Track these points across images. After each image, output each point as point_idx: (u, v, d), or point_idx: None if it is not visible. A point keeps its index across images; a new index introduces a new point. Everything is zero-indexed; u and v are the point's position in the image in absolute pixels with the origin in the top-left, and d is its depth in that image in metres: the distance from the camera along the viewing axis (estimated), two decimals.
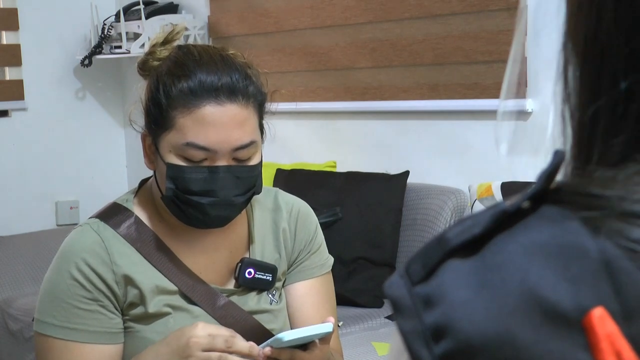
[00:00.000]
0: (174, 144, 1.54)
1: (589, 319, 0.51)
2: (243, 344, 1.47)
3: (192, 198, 1.55)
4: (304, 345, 1.51)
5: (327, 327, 1.49)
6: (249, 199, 1.61)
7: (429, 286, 0.56)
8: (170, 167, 1.55)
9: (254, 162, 1.58)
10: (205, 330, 1.49)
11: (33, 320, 1.62)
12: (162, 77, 1.57)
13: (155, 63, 1.60)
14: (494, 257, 0.55)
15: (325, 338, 1.53)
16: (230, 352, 1.47)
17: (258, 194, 1.62)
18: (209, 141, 1.53)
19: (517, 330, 0.52)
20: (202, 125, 1.53)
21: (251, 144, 1.56)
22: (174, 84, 1.54)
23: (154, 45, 1.62)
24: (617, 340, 0.51)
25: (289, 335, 1.46)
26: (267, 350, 1.48)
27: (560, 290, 0.52)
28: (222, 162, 1.54)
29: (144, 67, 1.62)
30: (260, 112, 1.61)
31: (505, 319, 0.53)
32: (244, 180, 1.57)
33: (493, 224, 0.56)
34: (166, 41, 1.62)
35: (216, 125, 1.53)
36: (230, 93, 1.54)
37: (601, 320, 0.51)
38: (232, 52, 1.62)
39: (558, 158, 0.57)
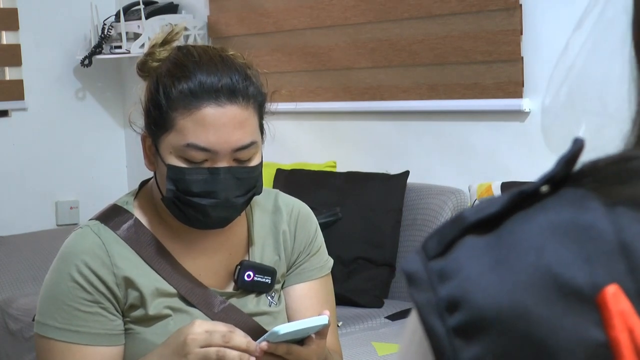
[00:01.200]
0: (175, 145, 1.54)
1: (602, 296, 0.52)
2: (240, 340, 1.47)
3: (193, 199, 1.55)
4: (301, 341, 1.52)
5: (323, 319, 1.49)
6: (249, 200, 1.61)
7: (444, 260, 0.57)
8: (171, 168, 1.55)
9: (254, 162, 1.58)
10: (202, 327, 1.49)
11: (33, 320, 1.63)
12: (161, 78, 1.57)
13: (155, 64, 1.60)
14: (510, 235, 0.56)
15: (321, 332, 1.53)
16: (228, 348, 1.47)
17: (258, 194, 1.63)
18: (209, 142, 1.53)
19: (531, 305, 0.53)
20: (202, 127, 1.53)
21: (252, 144, 1.56)
22: (173, 85, 1.54)
23: (153, 46, 1.62)
24: (630, 317, 0.52)
25: (284, 329, 1.46)
26: (264, 345, 1.48)
27: (575, 268, 0.53)
28: (222, 163, 1.54)
29: (143, 68, 1.62)
30: (261, 113, 1.61)
31: (520, 293, 0.54)
32: (244, 181, 1.57)
33: (510, 204, 0.57)
34: (165, 42, 1.62)
35: (216, 126, 1.53)
36: (230, 94, 1.54)
37: (615, 297, 0.52)
38: (231, 52, 1.62)
39: (577, 145, 0.58)
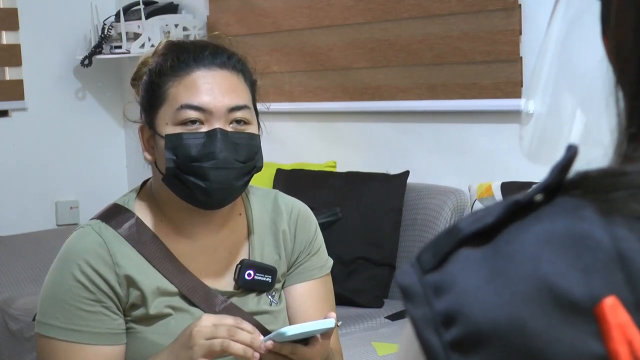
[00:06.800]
0: (169, 113, 1.58)
1: (600, 308, 0.52)
2: (245, 336, 1.47)
3: (193, 164, 1.56)
4: (306, 340, 1.52)
5: (329, 322, 1.50)
6: (250, 171, 1.61)
7: (439, 274, 0.56)
8: (169, 137, 1.57)
9: (250, 130, 1.61)
10: (209, 320, 1.50)
11: (34, 320, 1.63)
12: (152, 65, 1.63)
13: (145, 69, 1.66)
14: (506, 246, 0.55)
15: (326, 333, 1.53)
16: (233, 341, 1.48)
17: (259, 168, 1.64)
18: (202, 101, 1.57)
19: (528, 318, 0.52)
20: (194, 88, 1.58)
21: (246, 107, 1.60)
22: (164, 62, 1.60)
23: (146, 58, 1.68)
24: (629, 329, 0.51)
25: (291, 330, 1.47)
26: (269, 344, 1.48)
27: (572, 279, 0.53)
28: (219, 125, 1.57)
29: (136, 77, 1.68)
30: (253, 91, 1.65)
31: (517, 306, 0.53)
32: (242, 147, 1.59)
33: (505, 215, 0.56)
34: (155, 54, 1.67)
35: (208, 86, 1.58)
36: (220, 62, 1.60)
37: (613, 309, 0.51)
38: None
39: (571, 152, 0.57)
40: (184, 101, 1.57)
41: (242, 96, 1.60)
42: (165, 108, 1.59)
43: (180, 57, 1.60)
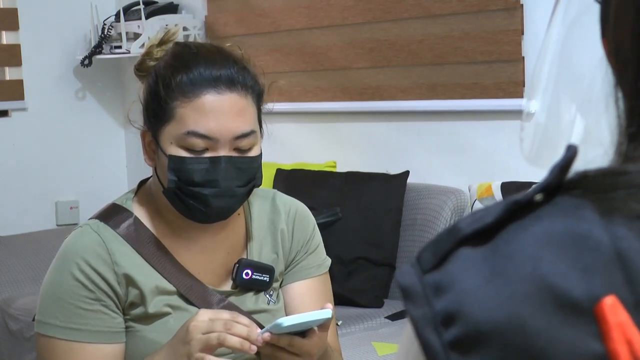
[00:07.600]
0: (175, 134, 1.56)
1: (600, 308, 0.52)
2: (241, 329, 1.48)
3: (194, 189, 1.56)
4: (303, 333, 1.52)
5: (326, 313, 1.50)
6: (249, 191, 1.62)
7: (439, 274, 0.56)
8: (172, 158, 1.56)
9: (254, 153, 1.60)
10: (206, 315, 1.50)
11: (33, 320, 1.63)
12: (160, 71, 1.60)
13: (152, 63, 1.63)
14: (506, 246, 0.55)
15: (324, 325, 1.53)
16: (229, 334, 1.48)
17: (258, 186, 1.64)
18: (209, 129, 1.54)
19: (528, 317, 0.52)
20: (202, 114, 1.55)
21: (252, 133, 1.58)
22: (172, 75, 1.57)
23: (150, 47, 1.65)
24: (629, 329, 0.51)
25: (288, 321, 1.47)
26: (267, 335, 1.48)
27: (572, 279, 0.53)
28: (223, 152, 1.56)
29: (141, 68, 1.65)
30: (259, 104, 1.63)
31: (516, 305, 0.53)
32: (245, 171, 1.58)
33: (505, 214, 0.56)
34: (162, 42, 1.65)
35: (216, 113, 1.55)
36: (229, 83, 1.56)
37: (613, 308, 0.51)
38: (229, 44, 1.66)
39: (571, 152, 0.57)
40: (191, 127, 1.54)
41: (249, 120, 1.58)
42: (172, 127, 1.56)
43: (190, 74, 1.56)
